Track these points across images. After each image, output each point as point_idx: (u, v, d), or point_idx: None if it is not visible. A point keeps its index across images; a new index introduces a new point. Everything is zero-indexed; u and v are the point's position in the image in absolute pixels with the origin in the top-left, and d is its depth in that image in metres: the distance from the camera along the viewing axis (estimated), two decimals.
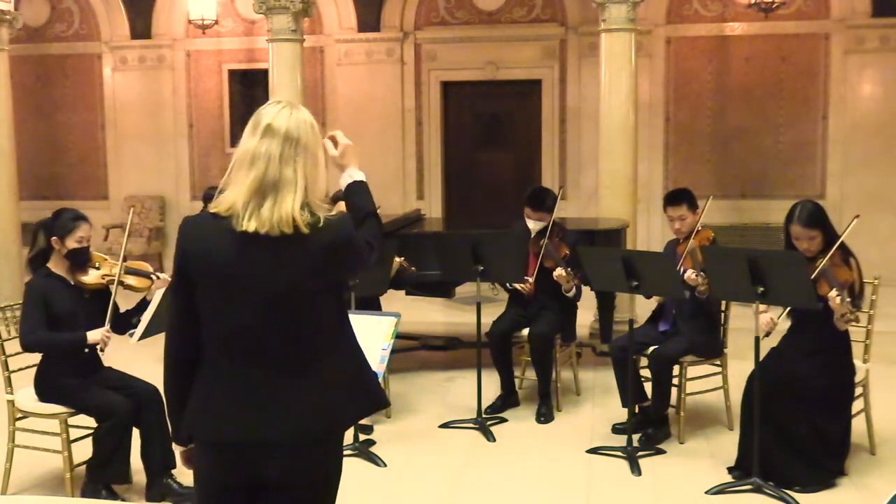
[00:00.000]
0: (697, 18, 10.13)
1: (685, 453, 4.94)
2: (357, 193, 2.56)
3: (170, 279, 3.56)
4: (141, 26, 11.01)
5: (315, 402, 2.32)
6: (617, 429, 5.24)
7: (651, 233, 9.64)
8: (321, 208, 2.32)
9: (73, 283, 4.35)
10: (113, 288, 4.39)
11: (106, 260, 4.48)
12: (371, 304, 5.69)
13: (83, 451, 4.34)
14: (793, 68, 9.98)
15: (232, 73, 11.01)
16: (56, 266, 4.33)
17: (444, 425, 5.41)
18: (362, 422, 4.89)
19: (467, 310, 8.00)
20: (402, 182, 10.67)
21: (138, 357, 5.04)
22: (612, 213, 7.10)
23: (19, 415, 4.48)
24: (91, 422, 4.33)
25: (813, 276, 4.19)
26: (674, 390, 5.16)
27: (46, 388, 4.37)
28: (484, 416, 5.44)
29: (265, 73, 8.58)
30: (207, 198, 6.43)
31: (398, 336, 4.19)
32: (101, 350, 4.33)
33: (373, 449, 4.95)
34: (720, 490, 4.37)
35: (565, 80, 10.39)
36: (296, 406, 2.31)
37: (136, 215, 10.80)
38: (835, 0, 9.81)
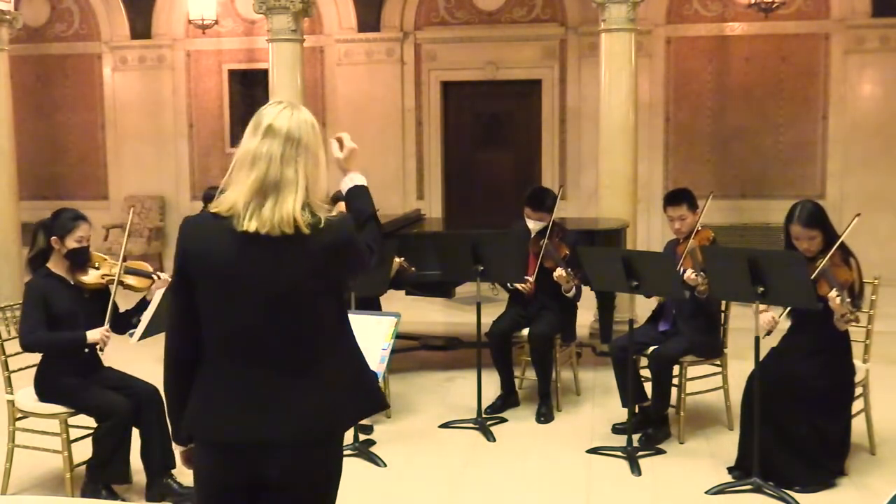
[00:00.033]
0: (697, 18, 10.14)
1: (685, 453, 4.94)
2: (358, 198, 2.57)
3: (170, 279, 3.56)
4: (141, 26, 11.01)
5: (316, 403, 2.33)
6: (617, 429, 5.24)
7: (651, 233, 9.64)
8: (322, 209, 2.32)
9: (72, 282, 4.35)
10: (113, 288, 4.39)
11: (106, 260, 4.48)
12: (371, 304, 5.69)
13: (83, 451, 4.34)
14: (793, 68, 9.98)
15: (232, 73, 11.01)
16: (56, 266, 4.33)
17: (444, 425, 5.41)
18: (362, 422, 4.88)
19: (467, 310, 8.00)
20: (402, 182, 10.67)
21: (138, 357, 5.04)
22: (612, 213, 7.10)
23: (19, 415, 4.48)
24: (91, 422, 4.33)
25: (813, 276, 4.19)
26: (674, 390, 5.16)
27: (46, 388, 4.37)
28: (484, 416, 5.43)
29: (265, 73, 8.58)
30: (207, 198, 6.44)
31: (398, 336, 4.19)
32: (101, 349, 4.33)
33: (373, 449, 4.95)
34: (720, 490, 4.37)
35: (565, 80, 10.39)
36: (296, 406, 2.31)
37: (136, 215, 10.80)
38: (835, 0, 9.81)
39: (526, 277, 5.57)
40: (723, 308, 5.30)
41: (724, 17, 10.05)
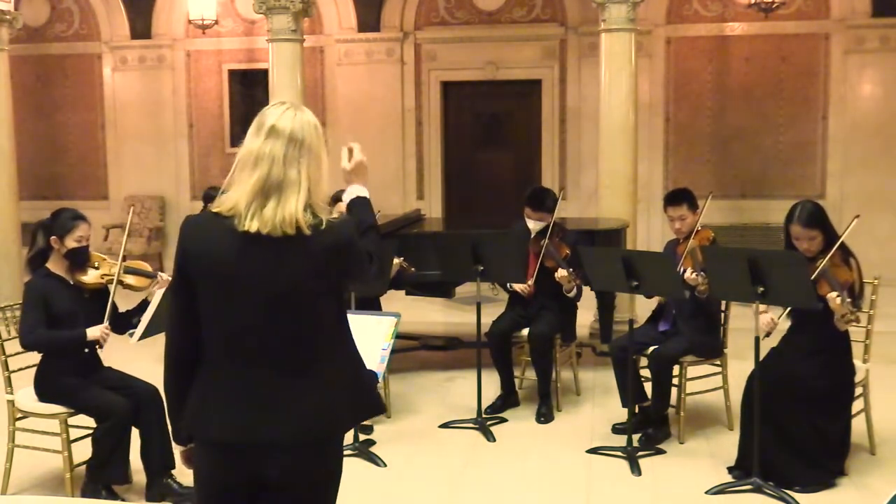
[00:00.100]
0: (697, 18, 10.14)
1: (685, 453, 4.94)
2: (359, 209, 2.57)
3: (170, 279, 3.56)
4: (141, 26, 11.01)
5: (316, 403, 2.33)
6: (617, 429, 5.24)
7: (651, 233, 9.64)
8: (324, 210, 2.32)
9: (72, 282, 4.35)
10: (112, 287, 4.39)
11: (105, 260, 4.47)
12: (371, 304, 5.69)
13: (83, 451, 4.34)
14: (793, 68, 9.98)
15: (232, 73, 11.01)
16: (55, 266, 4.33)
17: (444, 425, 5.41)
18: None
19: (467, 310, 8.00)
20: (402, 182, 10.67)
21: (138, 357, 5.05)
22: (612, 213, 7.10)
23: (19, 415, 4.47)
24: (91, 422, 4.32)
25: (813, 277, 4.19)
26: (674, 390, 5.16)
27: (46, 388, 4.37)
28: (484, 416, 5.43)
29: (265, 73, 8.58)
30: (207, 198, 6.45)
31: (398, 336, 4.19)
32: (100, 347, 4.33)
33: (373, 449, 4.95)
34: (720, 490, 4.37)
35: (565, 80, 10.40)
36: (296, 406, 2.31)
37: (136, 215, 10.80)
38: (835, 0, 9.81)
39: (528, 283, 5.58)
40: (723, 308, 5.30)
41: (724, 17, 10.05)
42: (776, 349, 4.63)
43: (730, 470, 4.59)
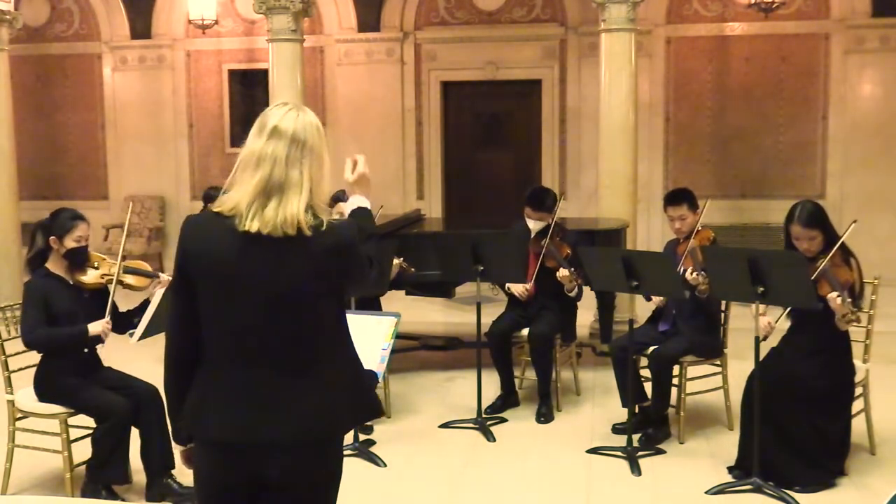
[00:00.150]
0: (697, 18, 10.14)
1: (685, 453, 4.94)
2: (360, 218, 2.57)
3: (170, 279, 3.56)
4: (141, 26, 11.01)
5: (316, 403, 2.33)
6: (617, 429, 5.24)
7: (651, 233, 9.64)
8: (325, 211, 2.32)
9: (72, 282, 4.35)
10: (112, 287, 4.39)
11: (105, 259, 4.47)
12: (371, 304, 5.68)
13: (83, 451, 4.34)
14: (793, 68, 9.98)
15: (232, 73, 11.01)
16: (55, 266, 4.33)
17: (444, 425, 5.41)
18: None
19: (467, 310, 8.00)
20: (402, 182, 10.67)
21: (138, 357, 5.04)
22: (612, 213, 7.10)
23: (19, 415, 4.47)
24: (91, 422, 4.32)
25: (813, 277, 4.19)
26: (674, 390, 5.16)
27: (46, 389, 4.36)
28: (484, 416, 5.43)
29: (265, 73, 8.58)
30: (207, 198, 6.44)
31: (398, 336, 4.19)
32: (102, 342, 4.32)
33: (373, 449, 4.95)
34: (720, 490, 4.37)
35: (565, 80, 10.40)
36: (297, 407, 2.31)
37: (136, 215, 10.81)
38: (835, 0, 9.81)
39: (525, 285, 5.58)
40: (723, 308, 5.30)
41: (724, 17, 10.06)
42: (776, 349, 4.63)
43: (730, 470, 4.59)
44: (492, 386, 5.73)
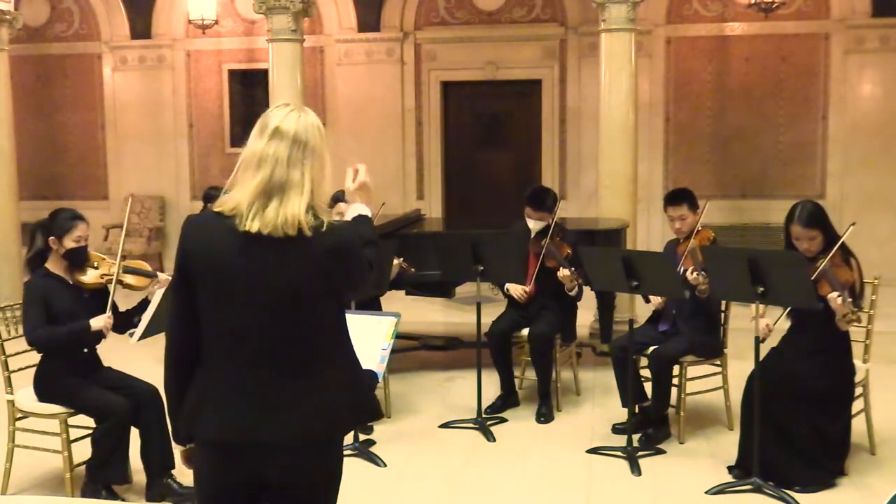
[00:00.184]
0: (697, 18, 10.14)
1: (685, 453, 4.94)
2: (360, 224, 2.57)
3: (170, 278, 3.55)
4: (141, 26, 11.01)
5: (316, 404, 2.33)
6: (617, 429, 5.24)
7: (651, 233, 9.64)
8: (326, 212, 2.32)
9: (71, 282, 4.35)
10: (112, 287, 4.39)
11: (104, 259, 4.47)
12: (371, 304, 5.68)
13: (83, 451, 4.34)
14: (793, 68, 9.98)
15: (232, 73, 11.01)
16: (54, 266, 4.33)
17: (444, 425, 5.41)
18: None
19: (467, 310, 8.00)
20: (402, 182, 10.67)
21: (138, 357, 5.04)
22: (612, 213, 7.10)
23: (19, 415, 4.47)
24: (91, 422, 4.32)
25: (813, 277, 4.19)
26: (674, 390, 5.16)
27: (46, 388, 4.36)
28: (484, 416, 5.43)
29: (265, 73, 8.58)
30: (207, 198, 6.44)
31: (398, 336, 4.18)
32: (104, 336, 4.32)
33: (373, 449, 4.95)
34: (720, 490, 4.37)
35: (565, 80, 10.40)
36: (297, 407, 2.31)
37: (136, 215, 10.82)
38: (835, 0, 9.81)
39: (524, 287, 5.58)
40: (723, 308, 5.30)
41: (724, 17, 10.06)
42: (776, 349, 4.63)
43: (730, 470, 4.59)
44: (492, 386, 5.73)
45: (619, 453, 4.83)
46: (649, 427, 5.09)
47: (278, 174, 2.27)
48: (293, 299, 2.30)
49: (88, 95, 11.29)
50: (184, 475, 4.11)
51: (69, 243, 4.28)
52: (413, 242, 6.16)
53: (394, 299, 6.39)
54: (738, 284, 4.35)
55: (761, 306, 4.40)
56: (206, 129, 11.11)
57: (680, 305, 5.12)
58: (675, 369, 5.11)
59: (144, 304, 4.39)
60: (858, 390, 4.73)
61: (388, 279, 5.50)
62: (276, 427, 2.30)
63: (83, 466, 4.36)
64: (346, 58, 10.70)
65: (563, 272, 5.40)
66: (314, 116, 2.39)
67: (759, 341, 4.43)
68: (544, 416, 5.50)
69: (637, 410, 5.10)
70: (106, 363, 4.52)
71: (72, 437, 4.36)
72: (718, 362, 5.30)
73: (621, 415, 5.17)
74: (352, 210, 2.63)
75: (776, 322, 4.44)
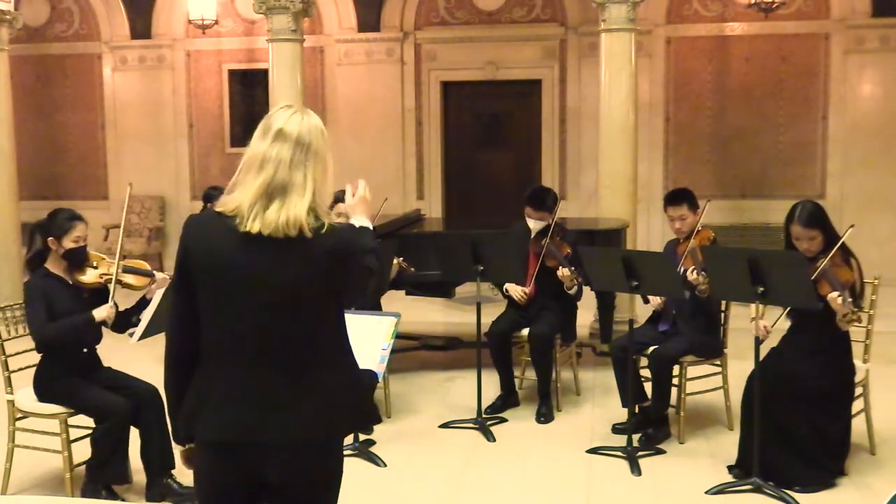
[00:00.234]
0: (697, 18, 10.14)
1: (685, 453, 4.94)
2: (361, 235, 2.57)
3: (170, 278, 3.54)
4: (141, 26, 11.01)
5: (316, 405, 2.33)
6: (617, 429, 5.24)
7: (651, 233, 9.64)
8: (327, 214, 2.32)
9: (71, 282, 4.35)
10: (111, 287, 4.38)
11: (104, 259, 4.47)
12: (371, 304, 5.68)
13: (83, 451, 4.34)
14: (793, 68, 9.98)
15: (232, 73, 11.01)
16: (54, 266, 4.33)
17: (444, 425, 5.41)
18: None
19: (467, 310, 8.00)
20: (402, 182, 10.67)
21: (138, 357, 5.05)
22: (612, 213, 7.10)
23: (19, 415, 4.47)
24: (91, 422, 4.32)
25: (813, 277, 4.19)
26: (674, 390, 5.16)
27: (46, 388, 4.36)
28: (484, 416, 5.43)
29: (265, 73, 8.58)
30: (207, 198, 6.45)
31: (398, 336, 4.18)
32: (107, 325, 4.31)
33: (373, 449, 4.95)
34: (720, 490, 4.37)
35: (565, 80, 10.40)
36: (296, 407, 2.31)
37: (136, 215, 10.82)
38: (835, 0, 9.81)
39: (524, 288, 5.58)
40: (723, 308, 5.30)
41: (724, 17, 10.06)
42: (776, 349, 4.63)
43: (730, 469, 4.59)
44: (492, 386, 5.73)
45: (619, 453, 4.83)
46: (649, 427, 5.09)
47: (281, 176, 2.28)
48: (293, 299, 2.30)
49: (88, 95, 11.29)
50: (184, 475, 4.11)
51: (68, 244, 4.28)
52: (413, 242, 6.16)
53: (394, 299, 6.39)
54: (738, 284, 4.35)
55: (761, 307, 4.40)
56: (206, 129, 11.11)
57: (680, 305, 5.12)
58: (675, 369, 5.11)
59: (143, 303, 4.39)
60: (858, 390, 4.73)
61: (388, 278, 5.50)
62: (276, 427, 2.30)
63: (83, 466, 4.36)
64: (346, 58, 10.71)
65: (563, 271, 5.40)
66: (317, 119, 2.39)
67: (758, 341, 4.43)
68: (544, 416, 5.50)
69: (637, 410, 5.10)
70: (106, 363, 4.52)
71: (72, 437, 4.36)
72: (718, 362, 5.30)
73: (621, 415, 5.17)
74: (353, 222, 2.62)
75: (776, 322, 4.44)
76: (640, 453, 4.81)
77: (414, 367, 6.65)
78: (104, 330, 4.42)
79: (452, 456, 4.96)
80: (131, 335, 4.33)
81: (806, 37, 9.94)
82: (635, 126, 7.28)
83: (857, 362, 4.69)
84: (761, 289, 4.22)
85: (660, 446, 4.98)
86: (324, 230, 2.29)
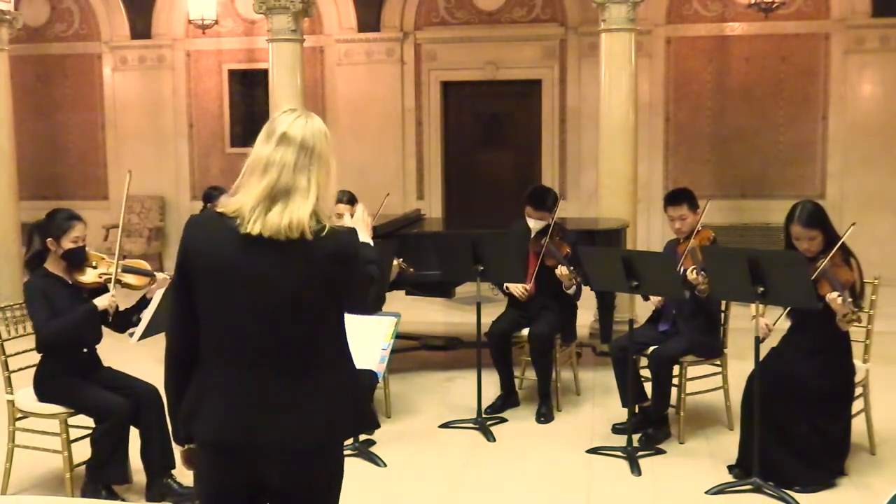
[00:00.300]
0: (697, 18, 10.14)
1: (685, 453, 4.94)
2: (363, 248, 2.57)
3: (169, 278, 3.53)
4: (141, 26, 11.01)
5: (316, 407, 2.32)
6: (617, 429, 5.24)
7: (651, 233, 9.64)
8: (329, 218, 2.32)
9: (71, 282, 4.35)
10: (111, 287, 4.38)
11: (103, 259, 4.47)
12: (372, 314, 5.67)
13: (83, 451, 4.34)
14: (793, 68, 9.98)
15: (232, 73, 11.02)
16: (53, 266, 4.33)
17: (444, 425, 5.41)
18: None
19: (467, 310, 8.00)
20: (402, 182, 10.67)
21: (138, 357, 5.05)
22: (612, 213, 7.09)
23: (19, 415, 4.47)
24: (91, 422, 4.32)
25: (813, 277, 4.19)
26: (674, 390, 5.16)
27: (46, 388, 4.36)
28: (484, 416, 5.43)
29: (265, 73, 8.58)
30: (207, 197, 6.44)
31: (398, 336, 4.19)
32: (110, 315, 4.31)
33: (373, 449, 4.95)
34: (720, 490, 4.37)
35: (565, 80, 10.40)
36: (296, 409, 2.31)
37: (136, 215, 10.82)
38: (835, 0, 9.81)
39: (524, 285, 5.58)
40: (723, 308, 5.30)
41: (724, 17, 10.06)
42: (776, 349, 4.63)
43: (730, 469, 4.59)
44: (492, 386, 5.73)
45: (619, 453, 4.83)
46: (649, 427, 5.09)
47: (284, 179, 2.28)
48: (293, 301, 2.30)
49: (88, 95, 11.30)
50: (184, 475, 4.10)
51: (67, 244, 4.27)
52: (413, 242, 6.15)
53: (394, 299, 6.38)
54: (738, 284, 4.35)
55: (761, 306, 4.40)
56: (206, 129, 11.11)
57: (680, 305, 5.12)
58: (675, 369, 5.11)
59: (143, 303, 4.39)
60: (858, 390, 4.73)
61: (387, 286, 5.50)
62: (277, 429, 2.30)
63: (83, 466, 4.36)
64: (346, 58, 10.71)
65: (562, 270, 5.40)
66: (321, 122, 2.39)
67: (758, 341, 4.43)
68: (544, 416, 5.50)
69: (637, 410, 5.10)
70: (106, 363, 4.52)
71: (72, 437, 4.35)
72: (718, 362, 5.30)
73: (621, 415, 5.17)
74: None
75: (776, 322, 4.44)
76: (640, 453, 4.81)
77: (414, 367, 6.65)
78: (104, 330, 4.42)
79: (452, 456, 4.96)
80: (131, 335, 4.33)
81: (806, 37, 9.94)
82: (635, 126, 7.28)
83: (857, 362, 4.69)
84: (761, 289, 4.22)
85: (660, 446, 4.98)
86: (324, 233, 2.29)
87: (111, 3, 11.04)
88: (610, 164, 7.23)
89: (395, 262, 5.65)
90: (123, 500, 4.34)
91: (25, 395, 4.43)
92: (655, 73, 10.13)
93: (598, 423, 5.43)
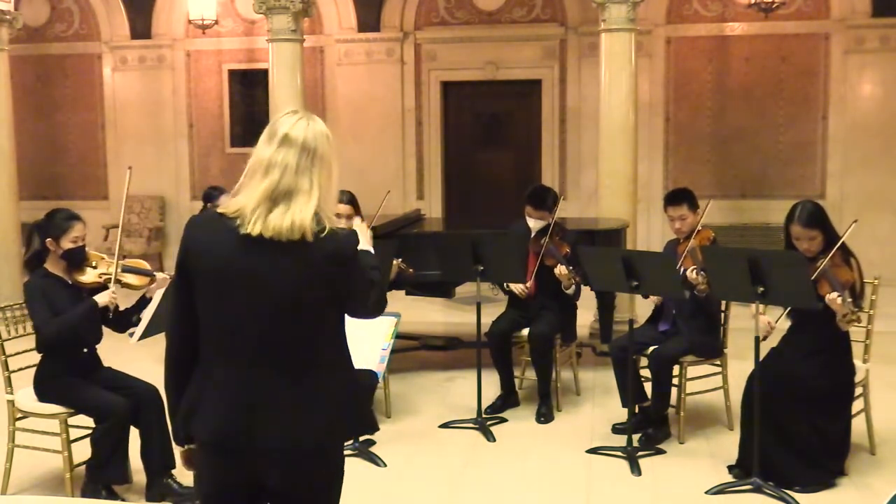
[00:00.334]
0: (697, 18, 10.14)
1: (685, 453, 4.94)
2: (362, 258, 2.56)
3: (169, 278, 3.53)
4: (141, 26, 11.01)
5: (316, 409, 2.32)
6: (617, 429, 5.24)
7: (651, 233, 9.64)
8: (330, 220, 2.32)
9: (70, 282, 4.35)
10: (111, 287, 4.38)
11: (103, 259, 4.47)
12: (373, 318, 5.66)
13: (83, 451, 4.34)
14: (793, 68, 9.98)
15: (232, 73, 11.02)
16: (53, 266, 4.33)
17: (444, 425, 5.41)
18: None
19: (467, 310, 8.00)
20: (402, 182, 10.67)
21: (138, 357, 5.05)
22: (612, 213, 7.10)
23: (19, 415, 4.47)
24: (91, 422, 4.32)
25: (813, 277, 4.19)
26: (674, 390, 5.16)
27: (46, 388, 4.36)
28: (484, 416, 5.43)
29: (265, 73, 8.58)
30: (207, 197, 6.44)
31: (398, 336, 4.20)
32: (110, 312, 4.31)
33: (373, 449, 4.95)
34: (720, 490, 4.37)
35: (565, 80, 10.40)
36: (296, 410, 2.31)
37: (136, 215, 10.82)
38: (835, 0, 9.81)
39: (525, 285, 5.58)
40: (723, 308, 5.30)
41: (724, 17, 10.06)
42: (776, 349, 4.63)
43: (730, 469, 4.59)
44: (492, 386, 5.73)
45: (619, 453, 4.83)
46: (649, 427, 5.09)
47: (286, 181, 2.28)
48: (293, 302, 2.29)
49: (88, 95, 11.29)
50: (184, 475, 4.10)
51: (66, 244, 4.27)
52: (413, 242, 6.16)
53: (394, 299, 6.31)
54: (738, 284, 4.35)
55: (761, 305, 4.40)
56: (206, 129, 11.11)
57: (680, 305, 5.12)
58: (675, 369, 5.11)
59: (143, 303, 4.39)
60: (858, 390, 4.73)
61: (388, 279, 5.50)
62: (276, 429, 2.30)
63: (83, 466, 4.36)
64: (346, 58, 10.71)
65: (560, 269, 5.40)
66: (322, 124, 2.39)
67: (758, 341, 4.43)
68: (544, 416, 5.50)
69: (637, 410, 5.10)
70: (106, 363, 4.52)
71: (72, 437, 4.35)
72: (718, 362, 5.30)
73: (621, 415, 5.17)
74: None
75: (777, 321, 4.44)
76: (640, 453, 4.81)
77: (414, 367, 6.65)
78: (104, 330, 4.42)
79: (452, 456, 4.96)
80: (131, 335, 4.33)
81: (806, 37, 9.94)
82: (635, 126, 7.28)
83: (857, 362, 4.69)
84: (761, 289, 4.22)
85: (660, 446, 4.98)
86: (324, 234, 2.28)
87: (111, 3, 11.04)
88: (610, 164, 7.23)
89: (394, 263, 5.65)
90: (123, 500, 4.34)
91: (25, 395, 4.43)
92: (655, 73, 10.13)
93: (598, 423, 5.43)
